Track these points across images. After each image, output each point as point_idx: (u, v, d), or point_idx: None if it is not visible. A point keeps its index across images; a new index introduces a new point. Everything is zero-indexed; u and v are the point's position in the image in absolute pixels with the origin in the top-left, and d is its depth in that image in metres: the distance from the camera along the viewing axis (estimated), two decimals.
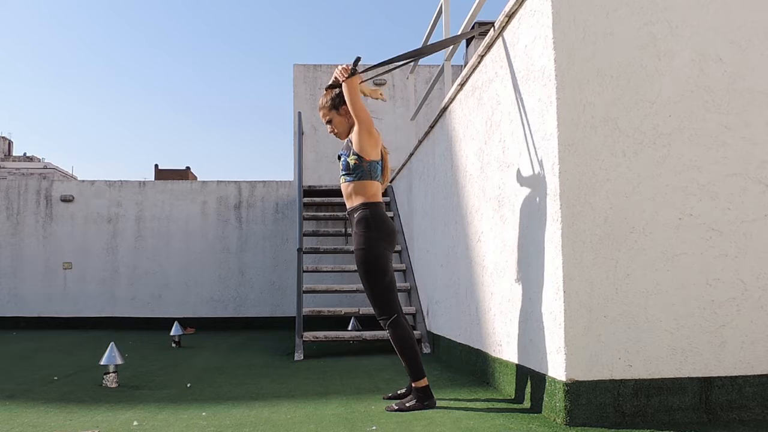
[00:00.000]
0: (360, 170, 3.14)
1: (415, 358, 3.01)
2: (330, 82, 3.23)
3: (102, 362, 3.80)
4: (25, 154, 59.89)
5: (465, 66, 5.80)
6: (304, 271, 6.07)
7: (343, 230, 3.39)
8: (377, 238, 3.07)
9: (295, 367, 4.52)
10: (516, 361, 3.07)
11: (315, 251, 6.76)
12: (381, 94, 3.33)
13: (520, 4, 2.96)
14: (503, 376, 3.27)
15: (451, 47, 4.92)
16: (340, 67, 3.14)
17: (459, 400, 3.14)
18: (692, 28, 2.63)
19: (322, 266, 6.45)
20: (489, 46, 3.45)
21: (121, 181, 8.75)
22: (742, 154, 2.61)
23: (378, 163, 3.18)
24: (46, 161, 56.84)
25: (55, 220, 8.61)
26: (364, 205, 3.12)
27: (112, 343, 3.93)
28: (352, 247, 3.18)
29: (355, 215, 3.13)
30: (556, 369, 2.56)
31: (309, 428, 2.60)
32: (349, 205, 3.20)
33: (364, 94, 3.25)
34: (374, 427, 2.59)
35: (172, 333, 6.16)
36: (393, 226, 3.17)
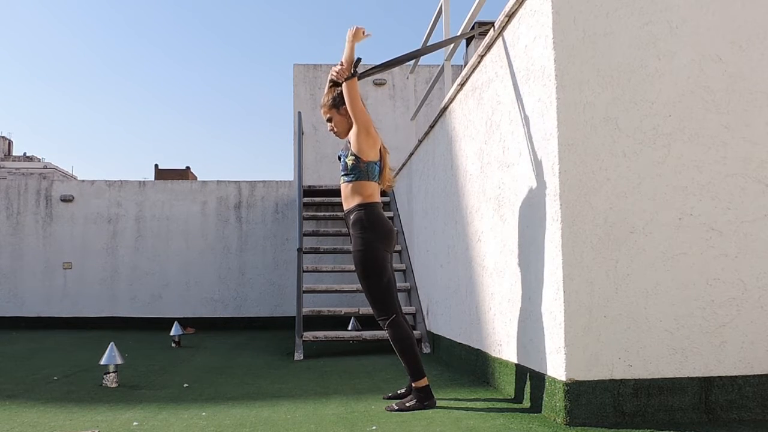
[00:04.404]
0: (357, 171, 3.14)
1: (415, 358, 3.01)
2: (328, 84, 3.24)
3: (102, 362, 3.80)
4: (25, 154, 59.89)
5: (465, 66, 5.80)
6: (304, 271, 6.07)
7: (346, 230, 3.37)
8: (374, 239, 3.07)
9: (295, 367, 4.52)
10: (516, 361, 3.07)
11: (315, 251, 6.76)
12: (364, 32, 3.17)
13: (520, 4, 2.96)
14: (503, 376, 3.27)
15: (451, 47, 4.92)
16: (336, 67, 3.14)
17: (459, 399, 3.14)
18: (692, 28, 2.63)
19: (322, 266, 6.45)
20: (489, 46, 3.45)
21: (121, 181, 8.75)
22: (742, 154, 2.61)
23: (376, 163, 3.18)
24: (46, 161, 56.82)
25: (55, 220, 8.61)
26: (360, 206, 3.11)
27: (112, 343, 3.93)
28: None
29: (351, 216, 3.13)
30: (556, 369, 2.56)
31: (309, 428, 2.60)
32: (346, 206, 3.19)
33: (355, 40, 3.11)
34: (374, 427, 2.59)
35: (172, 333, 6.16)
36: (390, 226, 3.17)
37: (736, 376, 2.53)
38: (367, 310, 5.39)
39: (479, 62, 3.66)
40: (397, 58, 3.45)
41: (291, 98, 8.94)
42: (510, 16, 3.09)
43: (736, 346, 2.54)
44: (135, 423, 2.77)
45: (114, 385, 3.72)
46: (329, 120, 3.28)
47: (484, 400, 3.12)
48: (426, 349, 5.24)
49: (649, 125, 2.59)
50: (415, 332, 5.32)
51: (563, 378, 2.49)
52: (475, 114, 3.79)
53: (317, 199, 7.66)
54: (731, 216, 2.59)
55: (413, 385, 3.02)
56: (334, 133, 3.30)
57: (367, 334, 5.41)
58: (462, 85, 4.06)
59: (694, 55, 2.62)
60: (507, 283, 3.21)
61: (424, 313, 5.57)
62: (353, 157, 3.13)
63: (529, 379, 2.87)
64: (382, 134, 3.45)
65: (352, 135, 3.16)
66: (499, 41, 3.27)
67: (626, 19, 2.61)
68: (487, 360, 3.55)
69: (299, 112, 8.31)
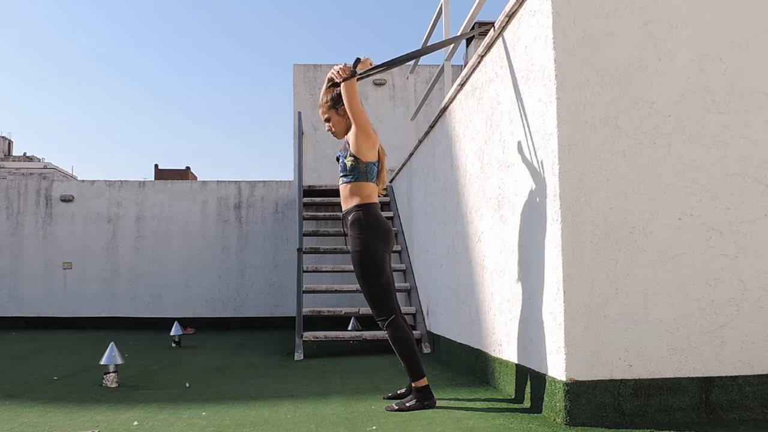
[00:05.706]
0: (356, 171, 3.13)
1: (414, 358, 3.01)
2: (326, 84, 3.23)
3: (102, 362, 3.80)
4: (25, 154, 59.90)
5: (465, 66, 5.80)
6: (304, 271, 6.07)
7: (342, 230, 3.36)
8: (372, 239, 3.07)
9: (295, 367, 4.52)
10: (516, 361, 3.07)
11: (315, 251, 6.76)
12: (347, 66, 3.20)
13: (520, 4, 2.96)
14: (503, 376, 3.27)
15: (451, 47, 4.92)
16: (336, 67, 3.13)
17: (459, 399, 3.14)
18: (692, 28, 2.63)
19: (322, 266, 6.45)
20: (489, 46, 3.45)
21: (121, 181, 8.75)
22: (742, 154, 2.61)
23: (374, 164, 3.17)
24: (46, 161, 56.84)
25: (55, 220, 8.61)
26: (358, 207, 3.11)
27: (112, 343, 3.93)
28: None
29: (350, 217, 3.13)
30: (556, 369, 2.56)
31: (309, 428, 2.60)
32: (344, 207, 3.19)
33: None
34: (374, 427, 2.59)
35: (172, 333, 6.16)
36: (388, 226, 3.16)
37: (736, 376, 2.53)
38: (367, 310, 5.38)
39: (479, 62, 3.66)
40: (397, 58, 3.45)
41: (291, 98, 8.94)
42: (510, 16, 3.09)
43: (736, 346, 2.54)
44: (135, 423, 2.77)
45: (114, 385, 3.72)
46: (327, 120, 3.27)
47: (484, 400, 3.12)
48: (426, 349, 5.24)
49: (649, 125, 2.59)
50: (415, 332, 5.32)
51: (563, 378, 2.49)
52: (475, 114, 3.79)
53: (317, 199, 7.66)
54: (731, 216, 2.59)
55: (413, 385, 3.02)
56: (332, 133, 3.30)
57: (367, 334, 5.41)
58: (462, 85, 4.06)
59: (694, 55, 2.62)
60: (507, 283, 3.21)
61: (424, 313, 5.57)
62: (352, 158, 3.13)
63: (530, 379, 2.87)
64: (382, 134, 3.45)
65: (351, 136, 3.15)
66: (499, 41, 3.27)
67: (626, 19, 2.61)
68: (487, 360, 3.55)
69: (299, 112, 8.31)
